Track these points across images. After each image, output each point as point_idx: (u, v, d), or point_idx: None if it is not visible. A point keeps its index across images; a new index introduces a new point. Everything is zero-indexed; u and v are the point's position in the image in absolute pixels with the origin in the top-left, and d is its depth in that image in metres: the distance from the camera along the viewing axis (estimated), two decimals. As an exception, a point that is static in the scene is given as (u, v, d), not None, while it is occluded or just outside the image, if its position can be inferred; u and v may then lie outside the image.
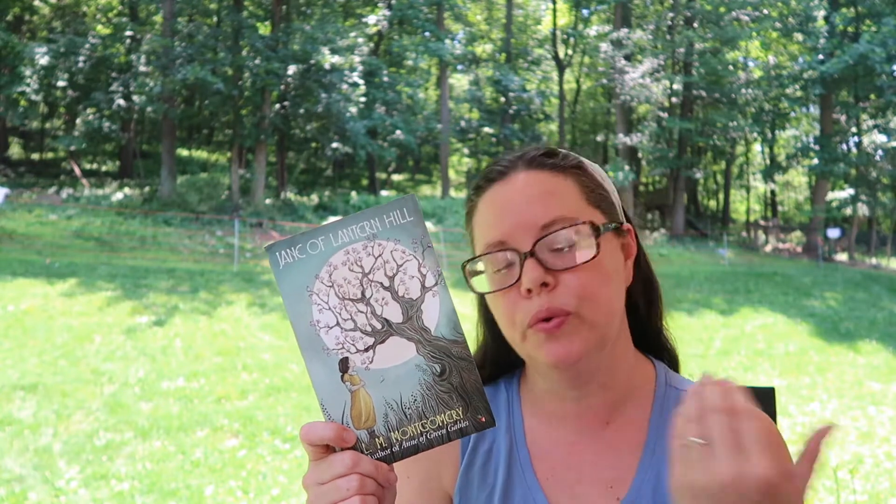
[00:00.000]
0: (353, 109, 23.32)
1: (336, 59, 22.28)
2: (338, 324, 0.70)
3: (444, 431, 0.69)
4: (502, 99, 31.98)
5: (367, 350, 0.69)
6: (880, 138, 25.47)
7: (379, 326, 0.69)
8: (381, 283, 0.69)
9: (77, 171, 25.66)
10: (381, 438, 0.69)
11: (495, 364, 0.99)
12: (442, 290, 0.69)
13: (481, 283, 0.86)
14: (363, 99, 24.45)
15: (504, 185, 0.86)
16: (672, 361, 1.00)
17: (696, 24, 28.18)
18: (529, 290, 0.79)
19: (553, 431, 0.92)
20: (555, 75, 34.97)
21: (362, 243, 0.70)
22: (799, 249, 27.58)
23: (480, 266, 0.86)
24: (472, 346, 1.00)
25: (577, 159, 0.89)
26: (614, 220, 0.87)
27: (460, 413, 0.69)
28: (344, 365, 0.69)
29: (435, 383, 0.69)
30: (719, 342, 9.51)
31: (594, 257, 0.81)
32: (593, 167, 0.91)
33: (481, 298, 0.95)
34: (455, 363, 0.69)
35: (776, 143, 33.30)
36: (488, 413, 0.69)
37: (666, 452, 0.87)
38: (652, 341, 0.98)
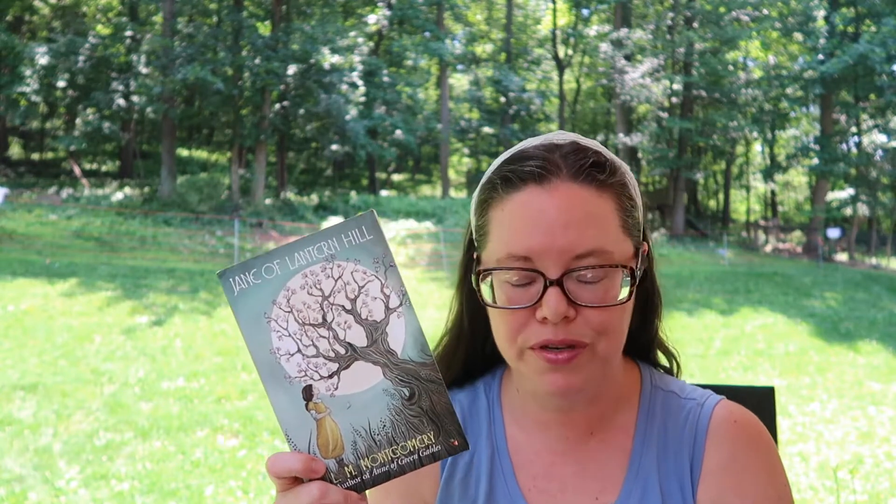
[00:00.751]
0: (353, 111, 23.32)
1: (336, 58, 22.29)
2: (299, 350, 0.66)
3: (415, 457, 0.66)
4: (502, 99, 31.99)
5: (331, 376, 0.66)
6: (880, 138, 25.48)
7: (342, 351, 0.66)
8: (343, 306, 0.66)
9: (77, 171, 25.66)
10: (350, 467, 0.67)
11: (470, 356, 0.95)
12: (407, 311, 0.66)
13: (485, 292, 0.82)
14: (363, 99, 24.46)
15: (542, 193, 0.76)
16: (673, 369, 0.97)
17: (696, 24, 28.18)
18: (545, 318, 0.75)
19: (536, 440, 0.89)
20: (555, 75, 34.98)
21: (321, 265, 0.66)
22: (799, 249, 27.58)
23: (489, 274, 0.81)
24: (442, 333, 0.96)
25: (622, 173, 0.81)
26: (639, 245, 0.82)
27: (432, 437, 0.66)
28: (308, 393, 0.66)
29: (404, 408, 0.66)
30: (719, 342, 9.51)
31: (625, 301, 0.77)
32: (631, 179, 0.84)
33: (469, 284, 0.89)
34: (424, 386, 0.66)
35: (776, 143, 33.29)
36: (461, 436, 0.66)
37: (653, 460, 0.85)
38: (641, 349, 0.94)
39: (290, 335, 0.66)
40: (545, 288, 0.74)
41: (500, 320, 0.80)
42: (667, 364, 0.98)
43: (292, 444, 0.67)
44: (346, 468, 0.67)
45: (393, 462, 0.67)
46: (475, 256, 0.86)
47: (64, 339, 7.70)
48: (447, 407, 0.66)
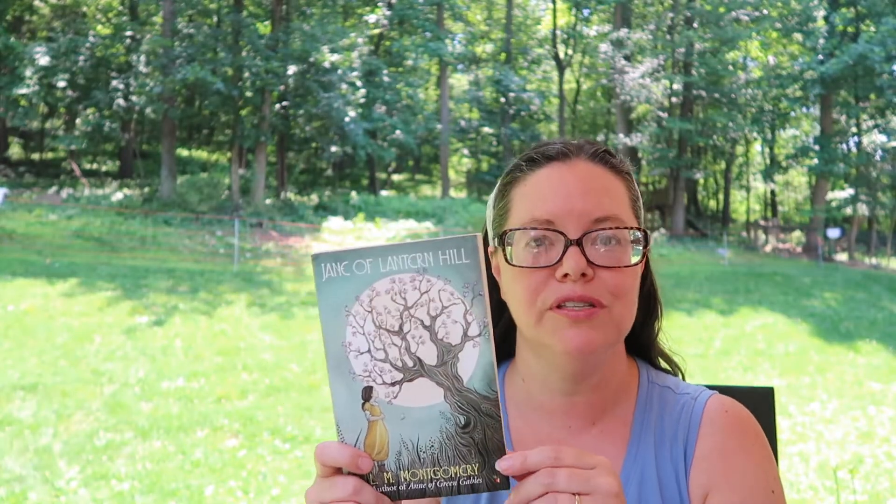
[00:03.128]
0: (353, 112, 23.29)
1: (336, 57, 22.28)
2: (369, 351, 0.67)
3: (455, 483, 0.66)
4: (502, 99, 31.97)
5: (393, 384, 0.67)
6: (880, 138, 25.47)
7: (410, 364, 0.67)
8: (422, 321, 0.66)
9: (77, 171, 25.66)
10: (389, 474, 0.67)
11: None
12: (484, 342, 0.66)
13: (506, 256, 0.86)
14: (363, 101, 24.44)
15: (564, 167, 0.86)
16: (674, 370, 1.02)
17: (696, 24, 28.18)
18: (566, 275, 0.80)
19: (539, 429, 0.92)
20: (555, 75, 34.96)
21: (410, 275, 0.66)
22: (799, 249, 27.57)
23: (511, 240, 0.86)
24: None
25: (630, 166, 0.92)
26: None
27: (475, 469, 0.66)
28: (367, 393, 0.67)
29: (456, 434, 0.66)
30: (719, 342, 9.51)
31: (636, 264, 0.84)
32: (635, 180, 0.93)
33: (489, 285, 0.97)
34: (482, 419, 0.66)
35: (776, 143, 33.29)
36: (504, 477, 0.66)
37: (650, 448, 0.89)
38: (640, 349, 1.00)
39: (364, 334, 0.67)
40: (566, 248, 0.80)
41: (520, 283, 0.84)
42: (668, 368, 1.03)
43: (341, 436, 0.68)
44: (385, 474, 0.67)
45: (432, 482, 0.67)
46: (490, 251, 0.93)
47: (64, 339, 7.70)
48: (499, 444, 0.66)
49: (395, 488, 0.67)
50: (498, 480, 0.66)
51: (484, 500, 0.91)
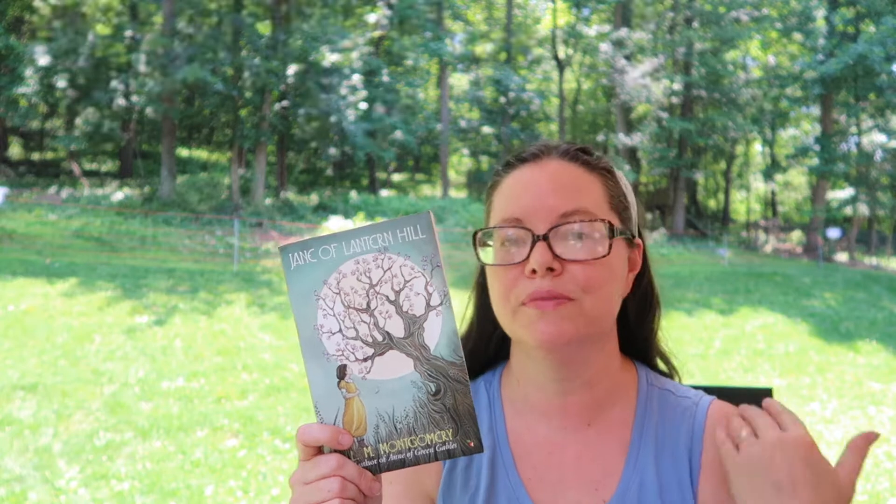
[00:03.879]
0: (353, 113, 23.27)
1: (335, 57, 22.27)
2: (340, 331, 0.70)
3: (431, 450, 0.69)
4: (502, 99, 31.97)
5: (365, 360, 0.70)
6: (880, 138, 25.47)
7: (380, 338, 0.70)
8: (387, 297, 0.70)
9: (77, 171, 25.66)
10: (369, 448, 0.70)
11: (475, 356, 1.01)
12: (446, 311, 0.69)
13: (487, 256, 0.89)
14: (364, 105, 24.41)
15: (534, 168, 0.88)
16: (671, 373, 1.01)
17: (696, 24, 28.17)
18: (534, 271, 0.81)
19: (536, 430, 0.92)
20: (555, 75, 34.96)
21: (373, 255, 0.70)
22: (799, 249, 27.57)
23: (490, 241, 0.88)
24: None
25: (609, 163, 0.91)
26: (629, 230, 0.89)
27: (450, 434, 0.69)
28: (342, 372, 0.70)
29: (428, 402, 0.69)
30: (719, 342, 9.51)
31: (604, 256, 0.83)
32: (621, 176, 0.92)
33: (479, 288, 0.99)
34: (451, 384, 0.69)
35: (776, 143, 33.29)
36: (478, 438, 0.69)
37: (650, 452, 0.88)
38: (637, 350, 0.99)
39: (334, 315, 0.71)
40: (533, 244, 0.82)
41: (495, 281, 0.86)
42: (665, 369, 1.02)
43: (320, 416, 0.71)
44: (365, 449, 0.70)
45: (410, 451, 0.70)
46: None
47: (64, 339, 7.70)
48: (469, 409, 0.69)
49: (375, 462, 0.70)
50: (472, 444, 0.69)
51: (483, 487, 0.91)
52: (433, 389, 0.69)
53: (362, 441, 0.70)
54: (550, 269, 0.80)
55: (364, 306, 0.70)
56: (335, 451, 0.70)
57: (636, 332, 0.98)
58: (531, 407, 0.92)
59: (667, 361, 1.01)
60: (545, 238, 0.81)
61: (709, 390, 1.01)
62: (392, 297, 0.70)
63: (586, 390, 0.89)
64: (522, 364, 0.92)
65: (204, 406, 6.01)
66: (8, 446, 4.86)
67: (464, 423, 0.69)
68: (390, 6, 28.62)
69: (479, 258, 0.88)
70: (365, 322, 0.70)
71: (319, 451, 0.70)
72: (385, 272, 0.70)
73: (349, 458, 0.70)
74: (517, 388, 0.94)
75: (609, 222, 0.84)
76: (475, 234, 0.88)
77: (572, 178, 0.86)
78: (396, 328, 0.70)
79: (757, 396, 1.21)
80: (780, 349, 9.17)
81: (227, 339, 8.30)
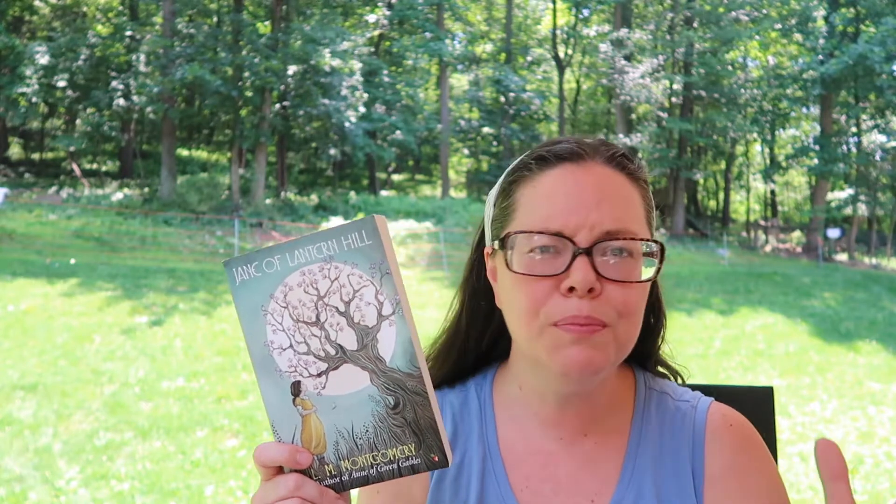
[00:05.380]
0: (353, 114, 23.27)
1: (336, 62, 22.27)
2: (291, 346, 0.67)
3: (395, 466, 0.67)
4: (502, 99, 31.98)
5: (319, 375, 0.67)
6: (880, 138, 25.48)
7: (332, 352, 0.67)
8: (337, 308, 0.66)
9: (77, 171, 25.66)
10: (330, 466, 0.67)
11: (463, 356, 0.95)
12: (399, 320, 0.65)
13: (511, 262, 0.80)
14: (363, 106, 24.41)
15: (578, 170, 0.79)
16: (672, 376, 0.98)
17: (696, 24, 28.18)
18: (572, 289, 0.74)
19: (529, 440, 0.88)
20: (555, 75, 34.97)
21: (319, 265, 0.66)
22: (799, 249, 27.57)
23: (513, 243, 0.79)
24: (439, 331, 0.96)
25: (647, 173, 0.86)
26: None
27: (412, 449, 0.66)
28: (296, 388, 0.67)
29: (388, 416, 0.66)
30: (719, 342, 9.51)
31: (647, 280, 0.78)
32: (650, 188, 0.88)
33: (473, 284, 0.92)
34: (409, 397, 0.66)
35: (776, 143, 33.29)
36: (441, 452, 0.66)
37: (648, 461, 0.85)
38: (638, 357, 0.94)
39: (283, 330, 0.67)
40: (574, 257, 0.74)
41: (521, 292, 0.78)
42: (666, 373, 0.98)
43: (277, 435, 0.68)
44: (326, 466, 0.68)
45: (372, 468, 0.67)
46: (487, 251, 0.88)
47: (64, 339, 7.70)
48: (430, 421, 0.66)
49: (338, 479, 0.68)
50: (436, 459, 0.66)
51: (473, 498, 0.87)
52: (392, 403, 0.66)
53: (323, 459, 0.67)
54: (591, 290, 0.74)
55: (314, 319, 0.67)
56: (295, 470, 0.67)
57: (640, 346, 0.91)
58: (529, 414, 0.89)
59: (667, 367, 0.97)
60: (589, 253, 0.74)
61: (709, 390, 0.99)
62: (342, 309, 0.66)
63: (585, 402, 0.86)
64: (527, 374, 0.88)
65: (204, 406, 6.01)
66: (8, 446, 4.86)
67: (426, 437, 0.66)
68: (390, 6, 28.63)
69: (507, 265, 0.79)
70: (316, 336, 0.67)
71: (280, 470, 0.67)
72: (332, 282, 0.66)
73: (311, 476, 0.67)
74: (514, 394, 0.90)
75: (661, 244, 0.79)
76: (506, 235, 0.80)
77: (618, 189, 0.79)
78: (349, 341, 0.66)
79: (757, 396, 1.21)
80: (780, 349, 9.17)
81: (226, 339, 8.30)
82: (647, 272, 0.80)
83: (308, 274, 0.67)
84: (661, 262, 0.79)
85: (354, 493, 0.78)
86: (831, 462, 0.57)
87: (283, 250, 0.67)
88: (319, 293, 0.67)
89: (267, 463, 0.66)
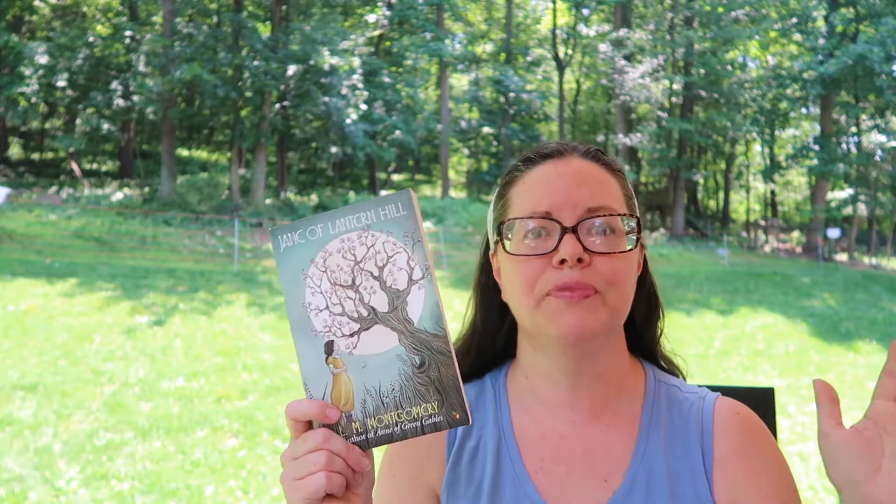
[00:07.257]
0: (353, 114, 23.26)
1: (335, 60, 22.27)
2: (327, 307, 0.72)
3: (418, 424, 0.70)
4: (502, 99, 31.96)
5: (352, 335, 0.72)
6: (880, 138, 25.48)
7: (365, 314, 0.72)
8: (371, 273, 0.72)
9: (77, 171, 25.66)
10: (357, 423, 0.71)
11: (481, 352, 1.02)
12: (428, 284, 0.71)
13: (508, 248, 0.89)
14: (364, 107, 24.40)
15: (559, 164, 0.90)
16: (677, 373, 1.04)
17: (695, 24, 28.18)
18: (563, 262, 0.82)
19: (543, 424, 0.93)
20: (555, 75, 34.95)
21: (357, 233, 0.72)
22: (799, 249, 27.57)
23: (509, 234, 0.89)
24: (459, 331, 1.04)
25: (622, 166, 0.95)
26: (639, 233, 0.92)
27: (435, 407, 0.70)
28: (329, 347, 0.72)
29: (414, 375, 0.70)
30: (719, 342, 9.51)
31: (631, 249, 0.86)
32: (627, 180, 0.96)
33: (483, 283, 1.00)
34: (435, 357, 0.70)
35: (776, 143, 33.29)
36: (463, 410, 0.70)
37: (660, 443, 0.89)
38: (644, 351, 1.01)
39: (321, 292, 0.73)
40: (562, 235, 0.83)
41: (517, 273, 0.87)
42: (670, 370, 1.04)
43: (308, 392, 0.72)
44: (353, 424, 0.71)
45: (397, 426, 0.71)
46: (492, 254, 0.96)
47: (64, 339, 7.70)
48: (454, 380, 0.70)
49: (363, 437, 0.71)
50: (458, 416, 0.70)
51: (488, 480, 0.91)
52: (418, 362, 0.70)
53: (350, 416, 0.71)
54: (579, 260, 0.82)
55: (349, 283, 0.72)
56: (323, 426, 0.71)
57: (643, 334, 1.00)
58: (539, 401, 0.93)
59: (671, 363, 1.03)
60: (574, 230, 0.83)
61: (710, 390, 1.01)
62: (376, 273, 0.72)
63: (596, 385, 0.91)
64: (532, 357, 0.93)
65: (204, 406, 6.01)
66: (8, 446, 4.86)
67: (449, 395, 0.70)
68: (390, 6, 28.62)
69: (504, 249, 0.89)
70: (350, 298, 0.72)
71: (309, 426, 0.71)
72: (369, 249, 0.72)
73: (338, 433, 0.71)
74: (525, 382, 0.95)
75: (637, 217, 0.88)
76: (502, 222, 0.89)
77: (596, 175, 0.89)
78: (381, 303, 0.71)
79: (758, 396, 1.21)
80: (780, 349, 9.17)
81: (226, 339, 8.30)
82: (630, 246, 0.89)
83: (347, 241, 0.73)
84: (639, 234, 0.88)
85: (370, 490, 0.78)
86: (827, 393, 0.71)
87: (325, 219, 0.73)
88: (356, 259, 0.72)
89: (298, 417, 0.70)
